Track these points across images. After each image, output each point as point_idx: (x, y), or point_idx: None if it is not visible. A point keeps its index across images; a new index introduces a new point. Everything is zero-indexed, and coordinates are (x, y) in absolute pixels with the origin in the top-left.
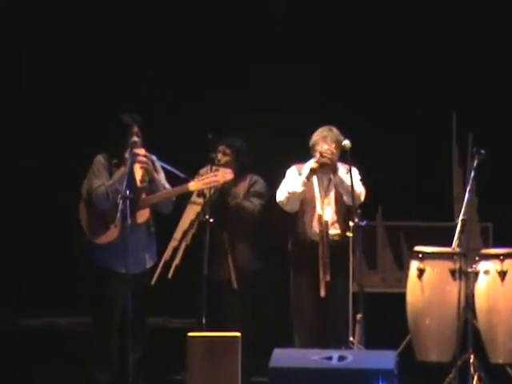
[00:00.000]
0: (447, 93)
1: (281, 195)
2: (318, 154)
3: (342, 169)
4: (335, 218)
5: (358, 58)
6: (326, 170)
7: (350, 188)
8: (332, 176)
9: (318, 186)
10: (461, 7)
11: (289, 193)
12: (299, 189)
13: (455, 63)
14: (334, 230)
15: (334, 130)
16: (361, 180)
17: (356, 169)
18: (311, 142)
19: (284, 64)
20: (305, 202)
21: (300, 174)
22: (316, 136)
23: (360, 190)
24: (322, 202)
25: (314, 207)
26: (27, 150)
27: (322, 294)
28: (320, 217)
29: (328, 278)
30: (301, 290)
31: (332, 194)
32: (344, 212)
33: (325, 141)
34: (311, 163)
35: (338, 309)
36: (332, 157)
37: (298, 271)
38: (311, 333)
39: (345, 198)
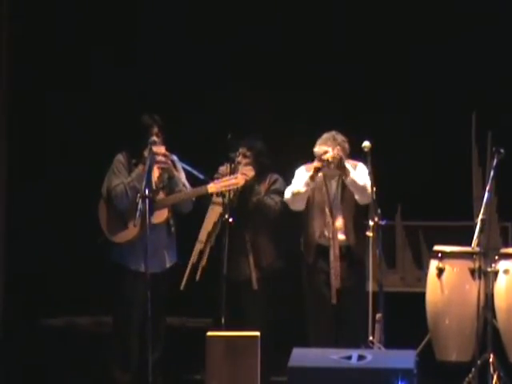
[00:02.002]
0: (467, 93)
1: (287, 194)
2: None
3: (349, 166)
4: (345, 223)
5: (379, 58)
6: (334, 172)
7: (363, 187)
8: (344, 178)
9: (326, 192)
10: (478, 8)
11: (293, 192)
12: (303, 189)
13: (474, 64)
14: (344, 236)
15: (339, 137)
16: (369, 174)
17: (364, 165)
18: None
19: (304, 64)
20: (314, 206)
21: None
22: (318, 143)
23: (370, 187)
24: (331, 208)
25: (323, 212)
26: (48, 150)
27: (334, 301)
28: (329, 224)
29: (339, 285)
30: (314, 292)
31: (340, 200)
32: (353, 214)
33: (325, 144)
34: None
35: (353, 311)
36: (333, 157)
37: (311, 272)
38: (326, 333)
39: (357, 197)
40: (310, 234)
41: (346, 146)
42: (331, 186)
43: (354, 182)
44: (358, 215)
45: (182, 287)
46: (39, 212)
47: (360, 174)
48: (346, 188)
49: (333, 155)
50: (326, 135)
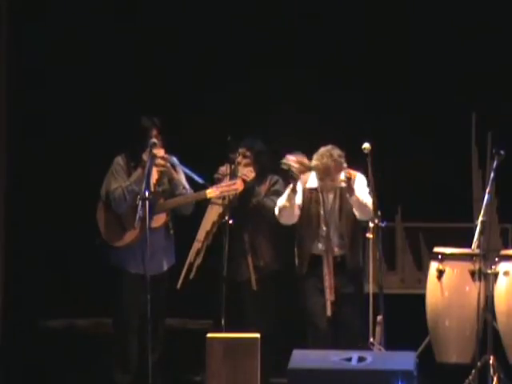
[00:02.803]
0: (466, 94)
1: (276, 210)
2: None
3: (359, 181)
4: (341, 236)
5: (378, 59)
6: (331, 185)
7: (366, 205)
8: (348, 196)
9: (322, 204)
10: (480, 9)
11: (279, 207)
12: (286, 203)
13: (475, 64)
14: (339, 249)
15: (335, 152)
16: (369, 193)
17: (363, 176)
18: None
19: (304, 64)
20: (309, 218)
21: (303, 188)
22: (315, 157)
23: (369, 203)
24: (326, 221)
25: (318, 224)
26: (47, 152)
27: (329, 313)
28: (323, 237)
29: (333, 297)
30: (309, 301)
31: (337, 212)
32: (351, 228)
33: (321, 159)
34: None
35: (350, 319)
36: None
37: (303, 285)
38: (325, 337)
39: (357, 213)
40: (303, 244)
41: (343, 160)
42: (328, 199)
43: (358, 201)
44: (355, 227)
45: (178, 286)
46: (39, 213)
47: (359, 186)
48: (343, 201)
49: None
50: (322, 150)
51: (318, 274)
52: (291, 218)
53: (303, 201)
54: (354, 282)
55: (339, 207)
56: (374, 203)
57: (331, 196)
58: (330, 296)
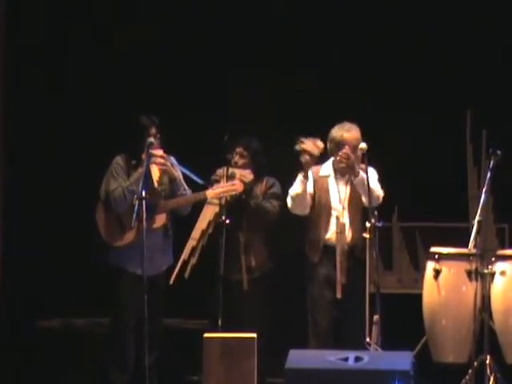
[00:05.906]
0: (461, 91)
1: (288, 201)
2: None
3: (370, 173)
4: (351, 220)
5: (373, 59)
6: (344, 171)
7: (371, 189)
8: (352, 178)
9: (335, 188)
10: (477, 6)
11: (291, 196)
12: (299, 189)
13: (470, 61)
14: (350, 233)
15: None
16: (378, 180)
17: (374, 170)
18: (331, 136)
19: (303, 64)
20: (320, 207)
21: (314, 178)
22: (338, 132)
23: (379, 191)
24: (339, 204)
25: (330, 210)
26: (46, 152)
27: (338, 295)
28: (337, 219)
29: (344, 280)
30: (317, 292)
31: (348, 196)
32: (360, 214)
33: (343, 128)
34: (329, 164)
35: (354, 310)
36: (348, 161)
37: (314, 273)
38: (327, 334)
39: (363, 199)
40: (316, 234)
41: (360, 138)
42: (340, 186)
43: (362, 183)
44: (363, 217)
45: (171, 282)
46: (37, 212)
47: (370, 176)
48: (354, 189)
49: (346, 157)
50: (346, 125)
51: (328, 268)
52: (304, 208)
53: (316, 190)
54: (359, 274)
55: (350, 195)
56: (370, 202)
57: (343, 183)
58: (341, 278)
